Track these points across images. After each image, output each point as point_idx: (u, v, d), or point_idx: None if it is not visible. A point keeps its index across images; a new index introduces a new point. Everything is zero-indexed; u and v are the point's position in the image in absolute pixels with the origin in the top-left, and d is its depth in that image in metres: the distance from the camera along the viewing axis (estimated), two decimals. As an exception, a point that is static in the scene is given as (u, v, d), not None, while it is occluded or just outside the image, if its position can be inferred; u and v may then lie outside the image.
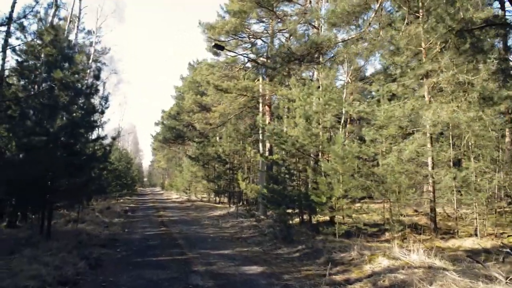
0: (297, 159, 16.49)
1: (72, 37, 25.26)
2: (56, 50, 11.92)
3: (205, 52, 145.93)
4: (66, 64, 12.03)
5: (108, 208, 21.68)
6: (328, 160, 13.91)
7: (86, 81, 16.35)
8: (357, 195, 12.59)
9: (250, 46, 26.54)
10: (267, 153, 23.50)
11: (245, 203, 31.38)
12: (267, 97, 21.23)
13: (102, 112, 16.08)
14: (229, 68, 26.43)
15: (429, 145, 13.74)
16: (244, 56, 24.87)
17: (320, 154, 15.32)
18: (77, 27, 24.86)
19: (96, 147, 13.93)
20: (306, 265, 9.42)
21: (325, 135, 14.89)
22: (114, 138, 14.94)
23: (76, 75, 12.78)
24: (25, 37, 10.84)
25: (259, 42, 26.92)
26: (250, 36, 25.30)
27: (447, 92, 9.93)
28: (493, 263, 8.78)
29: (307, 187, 16.20)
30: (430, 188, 13.76)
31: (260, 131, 22.32)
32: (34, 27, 16.79)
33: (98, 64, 31.02)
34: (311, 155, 15.73)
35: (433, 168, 13.77)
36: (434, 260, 8.03)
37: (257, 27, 25.57)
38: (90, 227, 15.64)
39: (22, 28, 9.79)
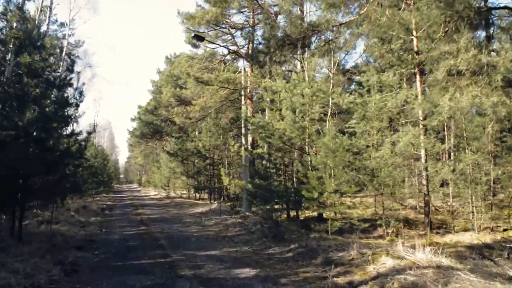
0: (283, 153, 15.85)
1: (43, 29, 24.01)
2: (24, 33, 10.91)
3: (183, 45, 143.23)
4: (36, 52, 11.00)
5: (84, 207, 20.64)
6: (317, 154, 13.29)
7: (58, 74, 15.36)
8: (350, 190, 12.02)
9: (230, 38, 25.77)
10: (249, 147, 22.84)
11: (226, 199, 30.67)
12: (249, 90, 20.48)
13: (77, 106, 15.13)
14: (209, 60, 25.59)
15: (422, 137, 13.26)
16: (225, 48, 24.08)
17: (308, 148, 14.69)
18: (49, 17, 23.54)
19: (70, 143, 12.94)
20: (303, 266, 8.75)
21: (313, 127, 14.27)
22: (89, 133, 13.97)
23: (46, 62, 11.78)
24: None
25: (239, 34, 26.26)
26: (230, 27, 24.51)
27: (466, 75, 9.36)
28: (499, 259, 8.30)
29: (295, 182, 15.59)
30: (424, 182, 13.29)
31: (242, 125, 21.56)
32: None
33: (72, 58, 29.72)
34: (299, 148, 15.08)
35: (426, 160, 13.30)
36: (441, 258, 7.48)
37: (237, 19, 24.86)
38: (65, 228, 14.66)
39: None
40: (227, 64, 26.74)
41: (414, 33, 13.75)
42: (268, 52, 7.53)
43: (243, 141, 21.81)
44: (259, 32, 26.07)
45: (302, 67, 21.79)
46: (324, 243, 10.26)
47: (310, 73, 14.90)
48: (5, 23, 9.31)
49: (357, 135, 13.98)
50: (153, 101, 42.87)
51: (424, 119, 13.38)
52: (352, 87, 29.64)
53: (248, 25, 24.25)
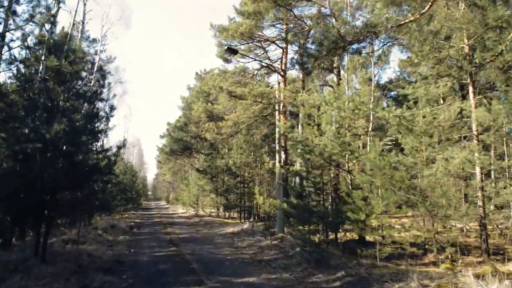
0: (321, 170, 14.82)
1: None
2: (51, 38, 10.42)
3: (213, 62, 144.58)
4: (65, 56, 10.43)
5: (112, 226, 20.00)
6: (362, 171, 12.22)
7: (89, 88, 14.94)
8: (400, 212, 10.89)
9: (262, 52, 25.13)
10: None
11: (257, 218, 29.69)
12: (283, 104, 19.62)
13: (107, 119, 14.62)
14: (241, 75, 25.00)
15: (476, 153, 12.05)
16: (258, 61, 23.43)
17: (351, 165, 13.64)
18: (81, 31, 23.43)
19: (99, 158, 12.32)
20: (357, 299, 7.70)
21: (356, 143, 13.24)
22: (119, 148, 13.38)
23: (75, 67, 11.19)
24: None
25: (271, 48, 25.61)
26: (263, 41, 23.90)
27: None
28: None
29: (335, 202, 14.52)
30: (480, 202, 12.02)
31: (276, 141, 20.69)
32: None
33: (103, 73, 29.64)
34: (341, 165, 14.03)
35: (482, 179, 12.07)
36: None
37: (269, 32, 24.18)
38: (92, 247, 13.97)
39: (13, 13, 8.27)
40: (260, 79, 26.10)
41: (466, 40, 12.70)
42: (318, 56, 6.72)
43: (277, 158, 20.91)
44: (292, 47, 25.45)
45: (339, 80, 20.92)
46: (375, 271, 9.17)
47: (351, 85, 13.95)
48: (35, 26, 8.79)
49: (405, 151, 12.84)
50: (183, 118, 42.54)
51: (480, 133, 12.22)
52: (385, 103, 28.56)
53: (281, 38, 23.60)
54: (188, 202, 44.30)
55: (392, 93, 30.83)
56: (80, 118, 11.88)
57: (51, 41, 10.40)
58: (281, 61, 24.10)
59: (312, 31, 18.97)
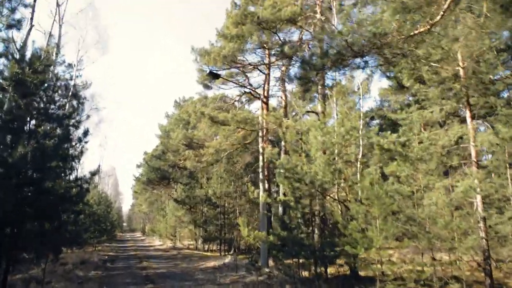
0: (311, 200, 13.92)
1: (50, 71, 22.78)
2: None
3: (192, 90, 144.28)
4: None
5: (82, 262, 18.48)
6: (358, 200, 11.34)
7: (63, 113, 13.89)
8: (403, 246, 10.02)
9: (244, 78, 24.54)
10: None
11: (237, 250, 28.42)
12: (268, 130, 18.84)
13: (80, 143, 13.55)
14: (223, 100, 24.28)
15: (476, 181, 11.36)
16: (242, 86, 22.78)
17: (344, 194, 12.77)
18: (56, 54, 22.37)
19: (70, 186, 11.15)
20: None
21: (348, 170, 12.43)
22: (93, 174, 12.22)
23: (40, 76, 10.17)
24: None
25: (254, 74, 25.06)
26: (245, 66, 23.32)
27: None
28: None
29: (327, 234, 13.59)
30: (482, 234, 11.26)
31: (260, 169, 19.75)
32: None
33: (78, 95, 28.46)
34: (333, 194, 13.15)
35: (483, 209, 11.35)
36: None
37: (251, 58, 23.62)
38: (60, 285, 12.61)
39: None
40: (241, 105, 25.39)
41: (461, 63, 12.22)
42: (322, 67, 5.96)
43: (261, 187, 19.94)
44: (274, 73, 24.94)
45: (324, 106, 20.30)
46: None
47: (343, 110, 13.25)
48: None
49: (401, 179, 12.08)
50: (160, 146, 41.33)
51: (479, 160, 11.58)
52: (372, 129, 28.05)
53: (264, 63, 23.06)
54: (165, 233, 42.62)
55: (374, 121, 30.54)
56: (50, 143, 10.79)
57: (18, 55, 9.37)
58: (263, 88, 23.50)
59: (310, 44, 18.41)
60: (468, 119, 11.96)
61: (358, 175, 12.83)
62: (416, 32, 6.29)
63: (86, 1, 41.58)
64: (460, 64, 12.21)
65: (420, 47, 6.82)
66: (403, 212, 11.28)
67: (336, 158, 12.71)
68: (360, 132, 13.47)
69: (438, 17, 6.31)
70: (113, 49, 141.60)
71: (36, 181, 9.62)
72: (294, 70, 22.75)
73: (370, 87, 41.18)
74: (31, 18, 17.06)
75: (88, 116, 23.89)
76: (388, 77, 27.56)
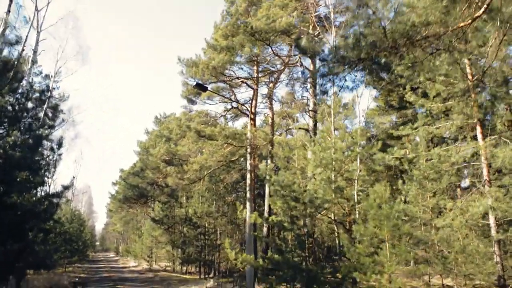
0: (310, 220, 12.80)
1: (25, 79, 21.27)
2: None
3: (173, 107, 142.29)
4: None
5: (50, 287, 16.72)
6: (365, 221, 10.27)
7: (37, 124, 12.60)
8: (418, 271, 8.96)
9: (230, 94, 23.55)
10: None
11: (217, 273, 26.96)
12: (257, 146, 17.75)
13: (52, 151, 12.31)
14: (208, 116, 23.20)
15: (490, 200, 10.45)
16: (226, 103, 21.74)
17: (346, 214, 11.68)
18: (32, 61, 20.90)
19: (37, 198, 9.79)
20: None
21: (351, 189, 11.39)
22: (66, 188, 10.89)
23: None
24: None
25: (241, 89, 24.12)
26: (233, 80, 22.35)
27: None
28: None
29: (324, 257, 12.45)
30: (497, 258, 10.29)
31: (248, 188, 18.60)
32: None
33: (54, 110, 26.92)
34: (334, 215, 12.05)
35: (497, 230, 10.42)
36: None
37: (238, 73, 22.65)
38: (24, 314, 11.05)
39: None
40: (225, 122, 24.36)
41: (470, 77, 11.48)
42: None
43: (248, 207, 18.74)
44: (262, 90, 24.02)
45: (315, 122, 19.42)
46: None
47: (342, 125, 12.31)
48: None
49: (409, 198, 11.12)
50: (139, 163, 39.70)
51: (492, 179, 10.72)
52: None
53: (252, 78, 22.15)
54: (140, 254, 40.70)
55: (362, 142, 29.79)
56: (17, 152, 9.47)
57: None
58: (251, 104, 22.53)
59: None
60: (479, 135, 11.14)
61: (355, 194, 11.85)
62: (461, 24, 5.35)
63: (66, 10, 40.06)
64: (469, 77, 11.48)
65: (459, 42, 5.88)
66: (412, 234, 10.27)
67: (337, 176, 11.66)
68: (360, 148, 12.52)
69: (481, 11, 5.42)
70: (93, 61, 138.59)
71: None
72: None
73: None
74: (5, 20, 15.71)
75: (62, 121, 22.41)
76: (376, 98, 27.05)
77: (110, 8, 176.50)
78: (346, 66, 5.14)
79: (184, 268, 31.70)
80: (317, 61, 20.68)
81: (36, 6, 20.54)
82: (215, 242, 27.79)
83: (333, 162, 11.84)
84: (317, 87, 17.75)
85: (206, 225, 28.15)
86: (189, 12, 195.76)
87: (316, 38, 20.01)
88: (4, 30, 15.82)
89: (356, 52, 4.90)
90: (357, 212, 11.76)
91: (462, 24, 5.57)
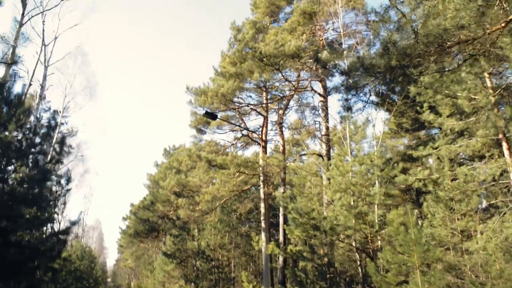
0: (329, 249, 12.15)
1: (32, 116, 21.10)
2: None
3: (181, 139, 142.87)
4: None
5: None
6: (395, 249, 9.58)
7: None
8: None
9: (240, 122, 23.22)
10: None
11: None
12: (271, 174, 17.21)
13: (62, 191, 11.92)
14: (218, 145, 22.82)
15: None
16: (236, 131, 21.40)
17: (369, 241, 10.99)
18: (40, 96, 20.78)
19: (44, 235, 9.30)
20: None
21: (374, 214, 10.75)
22: (73, 223, 10.40)
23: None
24: None
25: (251, 117, 23.82)
26: (242, 108, 22.09)
27: None
28: None
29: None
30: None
31: (262, 217, 18.00)
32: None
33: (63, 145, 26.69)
34: (356, 242, 11.34)
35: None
36: None
37: (247, 101, 22.37)
38: None
39: None
40: (236, 151, 23.96)
41: (491, 91, 10.98)
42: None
43: (263, 237, 18.08)
44: (271, 117, 23.67)
45: (328, 147, 18.88)
46: None
47: (359, 147, 11.80)
48: None
49: (436, 221, 10.45)
50: (149, 196, 39.18)
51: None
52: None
53: (261, 104, 21.88)
54: (153, 290, 39.72)
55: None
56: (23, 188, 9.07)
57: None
58: (262, 131, 22.17)
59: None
60: (506, 152, 10.55)
61: (376, 219, 11.19)
62: (494, 28, 4.90)
63: (74, 45, 40.41)
64: (490, 91, 10.99)
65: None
66: (442, 260, 9.58)
67: (358, 200, 11.05)
68: (388, 168, 11.91)
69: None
70: (101, 96, 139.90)
71: (3, 231, 7.78)
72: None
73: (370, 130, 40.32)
74: (13, 53, 15.61)
75: (71, 157, 22.18)
76: (387, 121, 26.54)
77: (116, 41, 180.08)
78: (373, 77, 4.67)
79: (198, 304, 30.71)
80: (328, 83, 20.48)
81: (43, 40, 20.56)
82: (229, 275, 26.99)
83: (352, 187, 11.28)
84: (342, 102, 16.91)
85: (220, 257, 27.42)
86: (196, 43, 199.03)
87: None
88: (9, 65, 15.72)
89: (385, 60, 4.45)
90: (378, 238, 11.11)
91: (496, 27, 5.14)
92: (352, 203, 10.93)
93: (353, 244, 11.31)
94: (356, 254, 12.00)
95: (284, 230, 20.01)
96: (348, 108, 7.05)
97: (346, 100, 5.73)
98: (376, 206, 11.97)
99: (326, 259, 11.73)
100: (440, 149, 11.55)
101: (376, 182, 13.04)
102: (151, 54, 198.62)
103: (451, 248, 10.35)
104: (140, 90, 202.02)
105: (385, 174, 11.50)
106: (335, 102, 44.92)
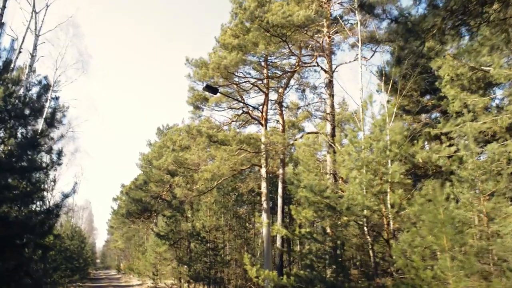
0: (337, 231, 11.33)
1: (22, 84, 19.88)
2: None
3: (176, 117, 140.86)
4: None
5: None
6: (419, 228, 8.76)
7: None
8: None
9: (240, 99, 22.24)
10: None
11: (229, 291, 25.37)
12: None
13: (53, 165, 10.95)
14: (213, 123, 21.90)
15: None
16: (239, 107, 20.46)
17: (387, 221, 10.18)
18: (29, 66, 19.52)
19: (33, 210, 8.36)
20: None
21: (396, 192, 9.90)
22: (66, 196, 9.45)
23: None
24: None
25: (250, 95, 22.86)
26: (240, 86, 21.12)
27: None
28: None
29: (360, 274, 10.96)
30: None
31: (264, 198, 17.18)
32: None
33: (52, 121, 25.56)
34: (376, 223, 10.52)
35: None
36: None
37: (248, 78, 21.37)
38: None
39: None
40: (235, 128, 23.06)
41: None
42: (449, 12, 3.61)
43: (264, 219, 17.29)
44: (271, 96, 22.70)
45: (333, 125, 18.02)
46: None
47: (378, 121, 10.90)
48: None
49: (460, 203, 9.67)
50: (142, 176, 38.25)
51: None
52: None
53: (261, 80, 20.91)
54: (144, 271, 39.02)
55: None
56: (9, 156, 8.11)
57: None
58: (262, 109, 21.26)
59: None
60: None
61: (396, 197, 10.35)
62: None
63: (66, 15, 38.72)
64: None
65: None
66: (467, 243, 8.79)
67: (377, 179, 10.20)
68: (396, 147, 11.07)
69: None
70: (94, 71, 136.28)
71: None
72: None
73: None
74: (0, 15, 14.39)
75: (62, 136, 21.13)
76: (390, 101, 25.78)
77: (111, 15, 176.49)
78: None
79: (192, 286, 30.03)
80: (333, 60, 19.55)
81: (34, 7, 19.25)
82: (224, 258, 26.29)
83: (371, 164, 10.43)
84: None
85: (215, 239, 26.66)
86: (195, 17, 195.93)
87: (332, 37, 18.81)
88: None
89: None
90: (398, 219, 10.31)
91: None
92: (372, 182, 10.09)
93: (366, 225, 10.51)
94: (368, 237, 11.22)
95: (283, 211, 19.28)
96: (399, 61, 6.10)
97: (401, 48, 4.79)
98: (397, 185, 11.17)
99: (339, 242, 10.91)
100: (462, 126, 10.74)
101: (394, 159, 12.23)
102: (146, 33, 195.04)
103: (477, 231, 9.59)
104: (133, 68, 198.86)
105: (404, 152, 10.65)
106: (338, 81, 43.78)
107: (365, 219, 10.44)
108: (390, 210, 9.67)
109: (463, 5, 3.78)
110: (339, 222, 10.31)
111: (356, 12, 14.04)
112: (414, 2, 4.15)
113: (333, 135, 17.67)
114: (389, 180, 10.03)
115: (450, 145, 10.14)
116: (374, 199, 9.60)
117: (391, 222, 10.21)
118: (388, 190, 9.76)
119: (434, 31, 4.14)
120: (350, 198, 9.75)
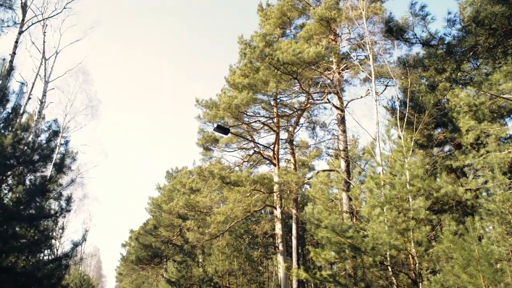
0: (363, 273, 10.71)
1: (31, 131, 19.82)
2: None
3: (185, 161, 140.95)
4: None
5: None
6: (452, 268, 8.16)
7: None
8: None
9: (249, 139, 22.00)
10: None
11: None
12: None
13: (62, 212, 10.60)
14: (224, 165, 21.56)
15: None
16: (254, 143, 20.20)
17: (416, 262, 9.57)
18: (38, 112, 19.49)
19: (41, 260, 7.91)
20: None
21: (420, 230, 9.35)
22: (76, 245, 9.01)
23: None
24: None
25: (260, 134, 22.65)
26: (250, 126, 20.93)
27: None
28: None
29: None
30: None
31: (279, 240, 16.54)
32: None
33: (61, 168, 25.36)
34: (402, 265, 9.92)
35: None
36: None
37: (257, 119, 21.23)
38: None
39: None
40: (252, 165, 22.74)
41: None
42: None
43: (281, 261, 16.58)
44: (282, 134, 22.47)
45: (347, 162, 17.59)
46: None
47: (398, 155, 10.51)
48: None
49: (493, 238, 9.09)
50: (151, 220, 37.58)
51: None
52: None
53: (273, 120, 20.72)
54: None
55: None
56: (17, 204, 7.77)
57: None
58: (273, 148, 20.95)
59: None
60: None
61: (423, 235, 9.78)
62: None
63: (75, 62, 39.40)
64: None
65: None
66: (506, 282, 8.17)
67: (401, 216, 9.68)
68: (418, 182, 10.58)
69: None
70: (103, 117, 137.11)
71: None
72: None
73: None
74: (11, 61, 14.40)
75: (71, 181, 20.86)
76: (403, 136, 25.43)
77: (118, 60, 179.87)
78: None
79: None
80: (345, 98, 19.39)
81: (43, 54, 19.44)
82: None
83: (395, 200, 9.95)
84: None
85: (227, 284, 25.75)
86: (204, 62, 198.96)
87: (341, 73, 18.73)
88: (8, 73, 14.52)
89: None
90: (426, 258, 9.71)
91: None
92: (397, 218, 9.57)
93: (391, 266, 9.90)
94: (393, 278, 10.57)
95: (297, 253, 18.57)
96: (432, 88, 5.79)
97: (438, 71, 4.40)
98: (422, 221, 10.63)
99: (363, 284, 10.27)
100: (486, 156, 10.31)
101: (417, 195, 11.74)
102: (153, 78, 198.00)
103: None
104: (142, 113, 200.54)
105: (427, 186, 10.18)
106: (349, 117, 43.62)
107: (389, 259, 9.87)
108: (417, 249, 9.10)
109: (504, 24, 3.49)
110: (362, 264, 9.69)
111: (368, 46, 13.90)
112: (448, 24, 3.87)
113: (348, 172, 17.25)
114: (414, 217, 9.51)
115: (475, 177, 9.65)
116: (400, 237, 9.06)
117: (417, 261, 9.61)
118: (413, 227, 9.21)
119: (479, 50, 3.83)
120: (374, 237, 9.21)
